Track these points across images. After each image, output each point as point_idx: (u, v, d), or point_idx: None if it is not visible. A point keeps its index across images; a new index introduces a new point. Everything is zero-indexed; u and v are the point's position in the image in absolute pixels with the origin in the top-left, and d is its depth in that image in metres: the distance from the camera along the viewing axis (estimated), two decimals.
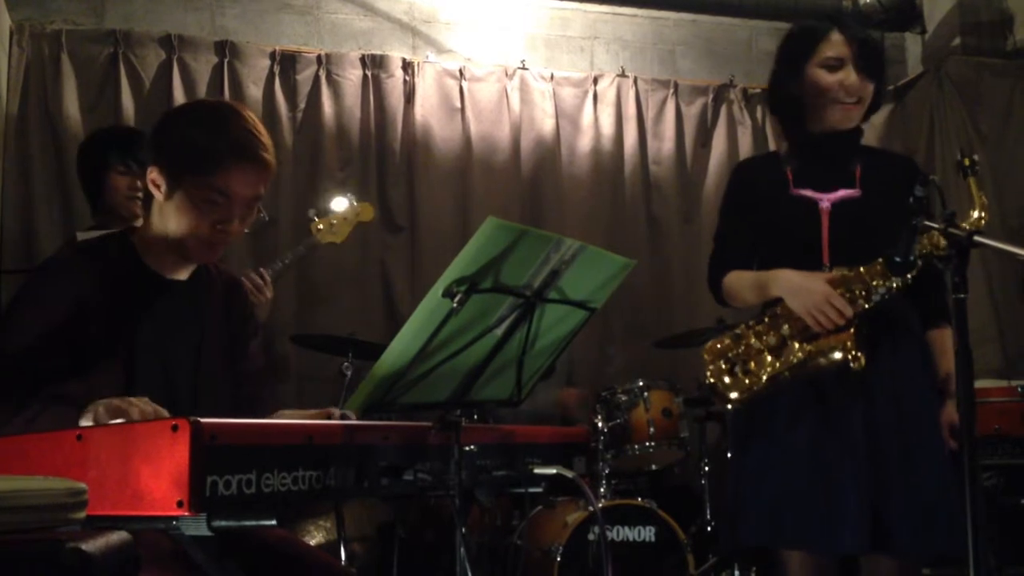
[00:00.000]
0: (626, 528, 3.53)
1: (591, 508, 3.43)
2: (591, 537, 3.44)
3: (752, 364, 2.31)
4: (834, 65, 2.39)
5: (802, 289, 2.27)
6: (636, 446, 3.83)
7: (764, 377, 2.29)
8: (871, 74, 2.38)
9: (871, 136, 5.32)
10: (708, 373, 2.36)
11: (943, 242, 2.02)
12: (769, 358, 2.30)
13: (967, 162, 1.95)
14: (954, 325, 1.88)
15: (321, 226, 3.51)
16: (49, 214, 4.22)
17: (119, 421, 1.57)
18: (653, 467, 4.05)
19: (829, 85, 2.39)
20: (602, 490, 3.65)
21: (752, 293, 2.42)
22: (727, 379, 2.33)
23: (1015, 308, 4.86)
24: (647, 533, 3.54)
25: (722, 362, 2.35)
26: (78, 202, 4.20)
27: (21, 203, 4.21)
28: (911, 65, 5.65)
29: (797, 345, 2.27)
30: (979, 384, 3.53)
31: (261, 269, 3.11)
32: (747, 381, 2.31)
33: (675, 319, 4.83)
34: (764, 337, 2.33)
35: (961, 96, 5.09)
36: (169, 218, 1.96)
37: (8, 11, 4.17)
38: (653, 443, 3.84)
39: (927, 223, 1.93)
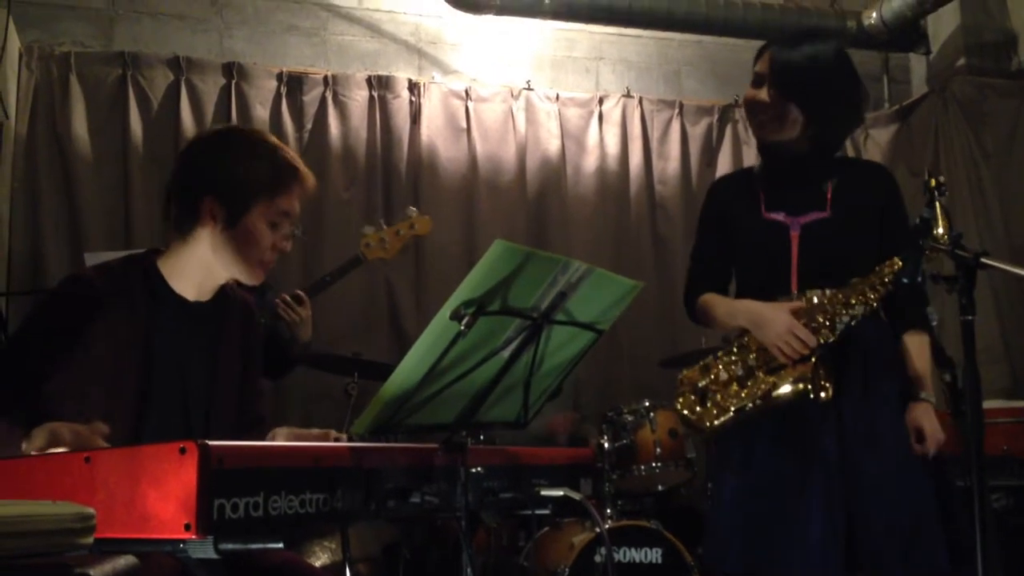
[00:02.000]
0: (632, 549, 3.51)
1: (597, 529, 3.41)
2: (597, 559, 3.43)
3: (719, 396, 2.33)
4: (755, 81, 2.45)
5: (765, 320, 2.31)
6: (642, 467, 3.82)
7: (732, 409, 2.31)
8: (789, 94, 2.37)
9: (876, 155, 5.35)
10: (679, 404, 2.38)
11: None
12: (736, 388, 2.32)
13: (933, 183, 1.97)
14: (962, 347, 1.87)
15: (371, 241, 3.42)
16: (57, 235, 4.23)
17: (61, 450, 1.58)
18: (659, 488, 4.03)
19: (745, 99, 2.48)
20: (608, 511, 3.64)
21: (725, 319, 2.46)
22: (698, 409, 2.35)
23: (1023, 328, 4.85)
24: (654, 554, 3.52)
25: (692, 394, 2.37)
26: (86, 223, 4.23)
27: (29, 224, 4.22)
28: (916, 85, 5.66)
29: (762, 376, 2.29)
30: (987, 405, 3.54)
31: (297, 292, 3.09)
32: (715, 411, 2.33)
33: (681, 338, 4.82)
34: (732, 368, 2.35)
35: (966, 116, 5.09)
36: (227, 245, 2.02)
37: (18, 33, 4.20)
38: (659, 464, 3.82)
39: (934, 245, 1.93)
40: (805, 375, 2.22)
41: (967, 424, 1.94)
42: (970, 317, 1.84)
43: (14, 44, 4.14)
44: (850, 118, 2.51)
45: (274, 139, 2.13)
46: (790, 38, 2.46)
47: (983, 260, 1.84)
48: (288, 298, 3.01)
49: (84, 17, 4.53)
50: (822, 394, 2.22)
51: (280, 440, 2.03)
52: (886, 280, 2.21)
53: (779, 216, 2.42)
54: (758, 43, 5.17)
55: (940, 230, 2.02)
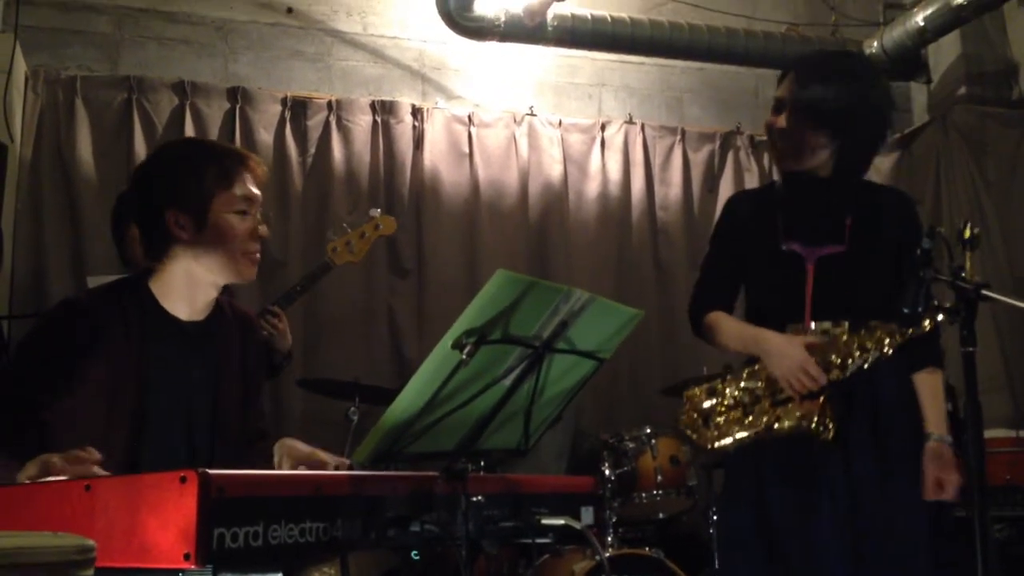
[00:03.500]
0: None
1: (598, 558, 3.39)
2: None
3: (722, 420, 2.31)
4: (775, 107, 2.41)
5: (779, 353, 2.27)
6: (643, 494, 3.80)
7: (734, 435, 2.28)
8: (810, 120, 2.32)
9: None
10: (682, 421, 2.36)
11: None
12: (740, 415, 2.30)
13: (968, 234, 1.94)
14: (964, 378, 1.87)
15: (337, 247, 3.42)
16: (60, 258, 4.23)
17: (55, 479, 1.58)
18: (661, 515, 4.01)
19: (766, 125, 2.44)
20: (609, 539, 3.62)
21: (735, 344, 2.42)
22: (701, 430, 2.33)
23: None
24: None
25: (696, 413, 2.35)
26: (89, 246, 4.24)
27: (33, 247, 4.23)
28: (917, 114, 5.68)
29: (767, 406, 2.27)
30: (989, 434, 3.54)
31: (270, 307, 3.11)
32: (716, 434, 2.30)
33: (682, 365, 4.81)
34: (739, 394, 2.32)
35: (967, 145, 5.11)
36: (206, 250, 2.03)
37: (24, 57, 4.22)
38: (660, 491, 3.81)
39: (936, 276, 1.93)
40: (811, 413, 2.19)
41: (969, 454, 1.93)
42: (971, 348, 1.84)
43: (20, 68, 4.16)
44: (876, 141, 2.43)
45: (207, 139, 2.18)
46: (813, 60, 2.42)
47: (984, 292, 1.84)
48: (267, 314, 3.03)
49: (90, 41, 4.57)
50: (826, 434, 2.19)
51: (284, 457, 2.03)
52: (908, 335, 2.16)
53: (796, 247, 2.37)
54: (760, 71, 5.31)
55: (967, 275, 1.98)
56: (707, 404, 2.35)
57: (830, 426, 2.18)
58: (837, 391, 2.23)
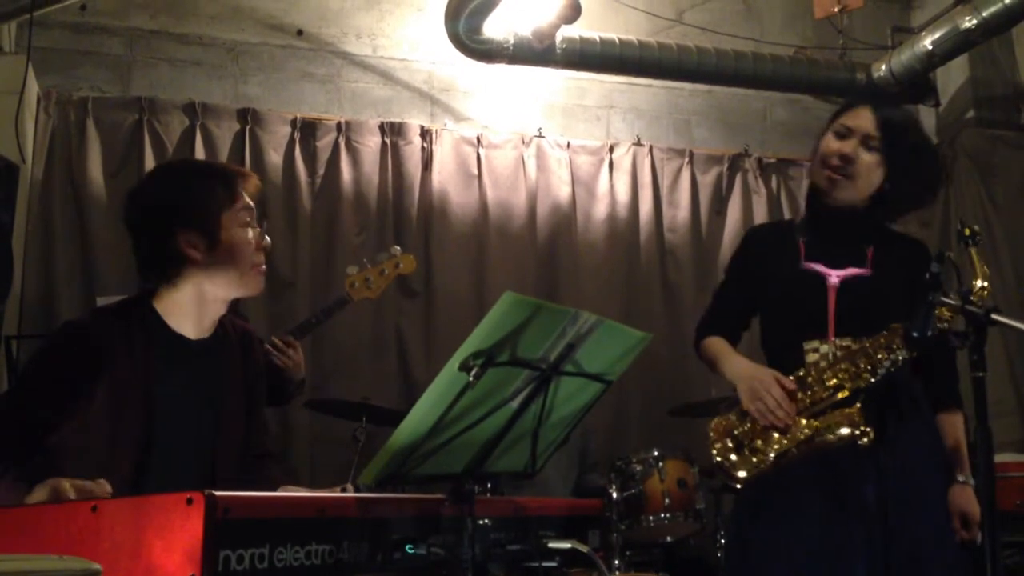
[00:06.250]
0: None
1: None
2: None
3: (759, 442, 2.29)
4: (842, 133, 2.43)
5: (748, 378, 2.32)
6: (651, 517, 3.78)
7: (771, 455, 2.27)
8: (880, 153, 2.38)
9: None
10: (714, 452, 2.34)
11: (946, 313, 2.03)
12: (776, 435, 2.28)
13: (967, 232, 1.96)
14: (973, 403, 1.86)
15: (355, 281, 3.43)
16: (70, 278, 4.25)
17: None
18: (668, 539, 3.99)
19: (828, 149, 2.43)
20: (616, 562, 3.59)
21: (714, 366, 2.50)
22: (734, 457, 2.31)
23: None
24: None
25: (728, 440, 2.33)
26: (99, 267, 4.25)
27: (42, 267, 4.24)
28: None
29: (804, 421, 2.26)
30: (999, 459, 3.51)
31: (286, 338, 3.09)
32: (754, 459, 2.29)
33: (690, 387, 4.80)
34: None
35: (976, 168, 5.11)
36: (218, 267, 2.03)
37: (36, 78, 4.26)
38: (668, 514, 3.78)
39: (944, 300, 1.92)
40: (851, 418, 2.19)
41: (979, 480, 1.92)
42: (981, 374, 1.83)
43: (32, 89, 4.20)
44: (920, 196, 2.49)
45: (196, 159, 2.22)
46: (887, 100, 2.49)
47: (993, 316, 1.84)
48: (278, 342, 3.02)
49: (102, 63, 4.60)
50: (864, 439, 2.20)
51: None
52: (940, 329, 2.16)
53: (818, 267, 2.40)
54: (768, 93, 5.32)
55: (979, 282, 2.02)
56: (738, 431, 2.34)
57: (869, 432, 2.18)
58: (870, 397, 2.23)
